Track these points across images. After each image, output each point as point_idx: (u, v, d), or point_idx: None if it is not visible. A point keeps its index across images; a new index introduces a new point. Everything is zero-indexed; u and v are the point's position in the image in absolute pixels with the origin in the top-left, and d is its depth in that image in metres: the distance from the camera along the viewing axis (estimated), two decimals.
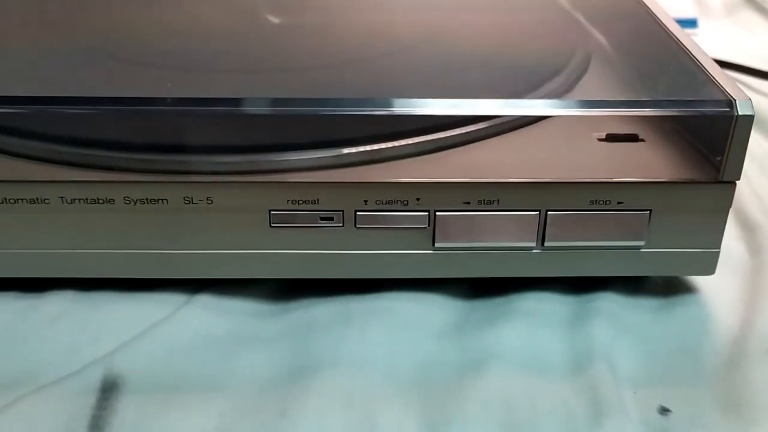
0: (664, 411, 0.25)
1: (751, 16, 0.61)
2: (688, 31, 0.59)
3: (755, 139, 0.43)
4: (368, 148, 0.27)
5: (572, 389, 0.26)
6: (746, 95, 0.27)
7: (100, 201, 0.27)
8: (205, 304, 0.29)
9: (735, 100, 0.26)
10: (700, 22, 0.60)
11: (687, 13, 0.61)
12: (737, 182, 0.37)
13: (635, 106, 0.27)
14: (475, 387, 0.26)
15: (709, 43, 0.56)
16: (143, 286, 0.30)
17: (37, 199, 0.27)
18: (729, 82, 0.28)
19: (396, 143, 0.27)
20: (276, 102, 0.26)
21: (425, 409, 0.25)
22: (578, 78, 0.29)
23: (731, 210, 0.36)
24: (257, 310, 0.29)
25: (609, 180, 0.27)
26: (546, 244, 0.28)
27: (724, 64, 0.51)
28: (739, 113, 0.26)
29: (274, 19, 0.35)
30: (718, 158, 0.27)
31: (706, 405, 0.25)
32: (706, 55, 0.30)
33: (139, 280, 0.29)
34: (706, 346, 0.28)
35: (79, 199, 0.27)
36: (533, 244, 0.28)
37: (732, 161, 0.27)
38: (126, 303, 0.29)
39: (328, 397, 0.25)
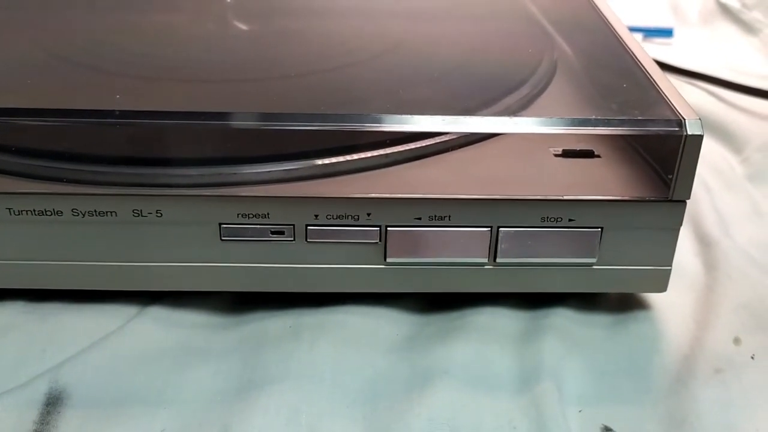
0: (607, 430, 0.25)
1: (726, 27, 0.61)
2: (664, 40, 0.59)
3: (721, 154, 0.43)
4: (319, 162, 0.27)
5: (518, 407, 0.26)
6: (696, 114, 0.27)
7: (48, 213, 0.27)
8: (156, 316, 0.29)
9: (685, 119, 0.26)
10: (676, 32, 0.60)
11: (663, 23, 0.61)
12: (700, 197, 0.38)
13: (585, 124, 0.27)
14: (421, 404, 0.26)
15: (684, 53, 0.56)
16: (94, 297, 0.29)
17: None
18: (680, 100, 0.28)
19: (347, 158, 0.27)
20: (226, 116, 0.26)
21: (369, 425, 0.25)
22: (537, 95, 0.29)
23: (690, 224, 0.36)
24: (209, 323, 0.29)
25: (561, 197, 0.27)
26: (498, 260, 0.28)
27: (698, 76, 0.52)
28: (688, 133, 0.26)
29: (242, 26, 0.35)
30: (669, 177, 0.27)
31: (650, 424, 0.25)
32: (659, 70, 0.30)
33: (91, 292, 0.29)
34: (654, 364, 0.28)
35: (27, 211, 0.27)
36: (485, 260, 0.28)
37: (682, 180, 0.27)
38: (76, 315, 0.29)
39: (273, 413, 0.25)
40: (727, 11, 0.63)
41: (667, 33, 0.59)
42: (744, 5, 0.63)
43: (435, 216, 0.28)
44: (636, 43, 0.32)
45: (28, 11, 0.35)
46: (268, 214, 0.27)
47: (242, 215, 0.27)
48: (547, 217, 0.28)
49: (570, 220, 0.28)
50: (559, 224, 0.28)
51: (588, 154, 0.27)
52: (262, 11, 0.36)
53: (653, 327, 0.30)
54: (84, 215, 0.27)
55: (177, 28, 0.34)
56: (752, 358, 0.28)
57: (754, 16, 0.62)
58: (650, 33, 0.59)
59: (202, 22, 0.35)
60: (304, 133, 0.26)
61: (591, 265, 0.29)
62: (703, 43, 0.59)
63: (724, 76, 0.50)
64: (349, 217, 0.28)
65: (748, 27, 0.61)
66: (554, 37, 0.33)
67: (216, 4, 0.37)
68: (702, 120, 0.26)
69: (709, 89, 0.50)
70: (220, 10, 0.36)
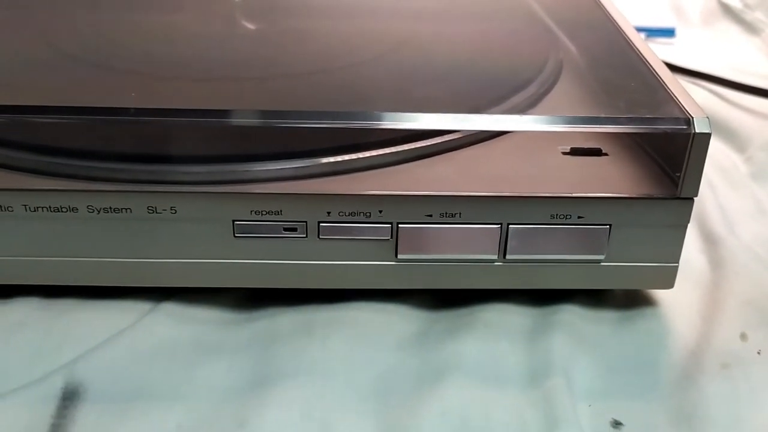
0: (616, 424, 0.25)
1: (728, 27, 0.62)
2: (666, 40, 0.59)
3: (724, 152, 0.44)
4: (331, 159, 0.27)
5: (528, 402, 0.26)
6: (704, 113, 0.27)
7: (63, 210, 0.27)
8: (170, 312, 0.29)
9: (693, 117, 0.27)
10: (678, 32, 0.60)
11: (665, 23, 0.62)
12: (704, 195, 0.38)
13: (593, 122, 0.27)
14: (433, 399, 0.26)
15: (686, 52, 0.56)
16: (108, 294, 0.30)
17: (0, 206, 0.27)
18: (687, 99, 0.28)
19: (359, 155, 0.27)
20: (239, 113, 0.26)
21: (382, 420, 0.25)
22: (544, 94, 0.29)
23: (696, 222, 0.36)
24: (222, 318, 0.30)
25: (570, 195, 0.28)
26: (507, 256, 0.29)
27: (700, 75, 0.52)
28: (696, 131, 0.26)
29: (250, 25, 0.36)
30: (677, 174, 0.27)
31: (659, 418, 0.26)
32: (666, 69, 0.30)
33: (105, 288, 0.30)
34: (662, 359, 0.28)
35: (43, 208, 0.27)
36: (495, 257, 0.29)
37: (689, 178, 0.27)
38: (90, 311, 0.29)
39: (287, 408, 0.25)
40: (729, 11, 0.63)
41: (669, 33, 0.60)
42: (746, 5, 0.64)
43: (445, 213, 0.28)
44: (643, 43, 0.33)
45: (41, 11, 0.35)
46: (280, 211, 0.28)
47: (255, 212, 0.28)
48: (556, 215, 0.28)
49: (579, 217, 0.28)
50: (567, 221, 0.28)
51: (596, 152, 0.27)
52: (270, 11, 0.36)
53: (660, 323, 0.30)
54: (99, 212, 0.27)
55: (187, 28, 0.34)
56: (758, 353, 0.29)
57: (756, 16, 0.62)
58: (652, 33, 0.60)
59: (211, 22, 0.35)
60: (317, 131, 0.26)
61: (599, 261, 0.29)
62: (706, 43, 0.59)
63: (726, 75, 0.51)
64: (361, 214, 0.28)
65: (750, 27, 0.61)
66: (560, 36, 0.34)
67: (224, 4, 0.37)
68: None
69: (711, 89, 0.51)
70: (228, 10, 0.36)
